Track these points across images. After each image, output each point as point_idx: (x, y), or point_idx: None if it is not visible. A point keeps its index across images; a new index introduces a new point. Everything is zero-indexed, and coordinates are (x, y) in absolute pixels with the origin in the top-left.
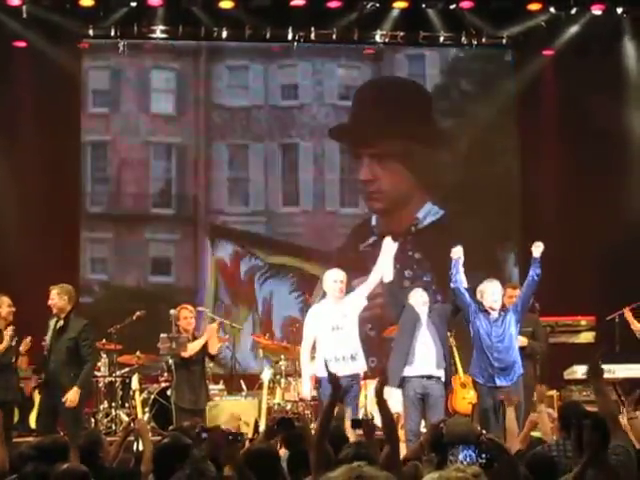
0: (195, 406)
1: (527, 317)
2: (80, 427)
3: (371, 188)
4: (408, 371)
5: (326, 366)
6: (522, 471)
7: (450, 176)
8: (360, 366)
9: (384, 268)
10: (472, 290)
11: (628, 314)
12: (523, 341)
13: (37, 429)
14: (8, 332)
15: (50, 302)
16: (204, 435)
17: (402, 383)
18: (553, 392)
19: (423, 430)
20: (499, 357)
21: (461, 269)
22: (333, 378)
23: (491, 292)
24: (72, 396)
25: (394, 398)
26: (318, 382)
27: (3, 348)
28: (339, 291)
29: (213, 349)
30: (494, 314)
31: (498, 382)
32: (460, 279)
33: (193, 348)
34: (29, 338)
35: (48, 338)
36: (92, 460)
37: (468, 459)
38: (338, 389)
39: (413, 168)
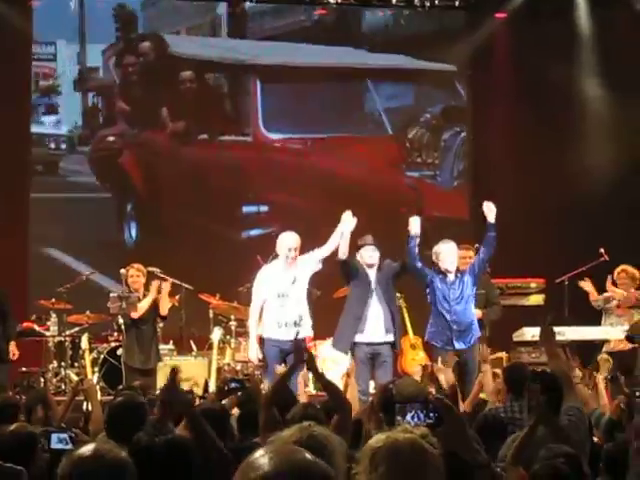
0: (145, 365)
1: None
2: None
3: None
4: (358, 337)
5: (296, 336)
6: (471, 431)
7: None
8: (305, 330)
9: (340, 243)
10: (426, 258)
11: (586, 285)
12: (478, 313)
13: None
14: None
15: None
16: (233, 385)
17: (351, 347)
18: (502, 354)
19: (372, 391)
20: (457, 320)
21: (417, 242)
22: (297, 344)
23: (447, 254)
24: (15, 349)
25: (342, 362)
26: (262, 343)
27: None
28: (292, 258)
29: (164, 310)
30: (450, 276)
31: (457, 345)
32: (416, 254)
33: (142, 307)
34: None
35: None
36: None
37: (416, 419)
38: (301, 355)
39: None
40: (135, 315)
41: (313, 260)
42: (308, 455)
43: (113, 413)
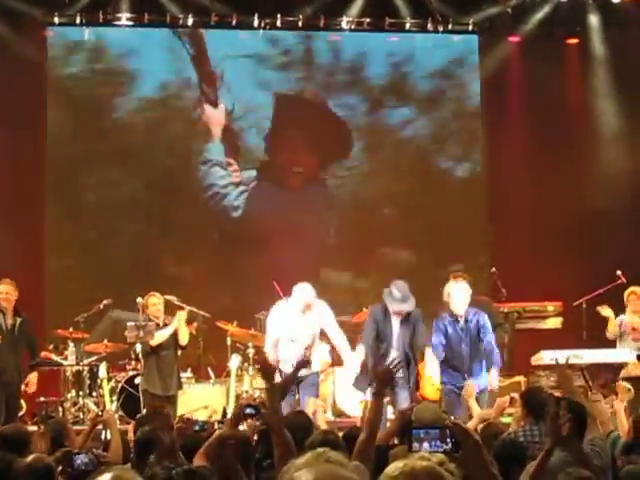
0: (166, 392)
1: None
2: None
3: None
4: None
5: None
6: (489, 457)
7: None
8: (313, 366)
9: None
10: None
11: (604, 310)
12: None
13: None
14: None
15: (8, 297)
16: (249, 411)
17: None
18: (520, 378)
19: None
20: (470, 366)
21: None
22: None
23: (457, 298)
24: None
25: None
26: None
27: None
28: (308, 310)
29: (183, 340)
30: (461, 321)
31: (465, 380)
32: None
33: (161, 336)
34: None
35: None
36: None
37: (433, 446)
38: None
39: None
40: (153, 343)
41: (326, 327)
42: (348, 473)
43: (142, 442)
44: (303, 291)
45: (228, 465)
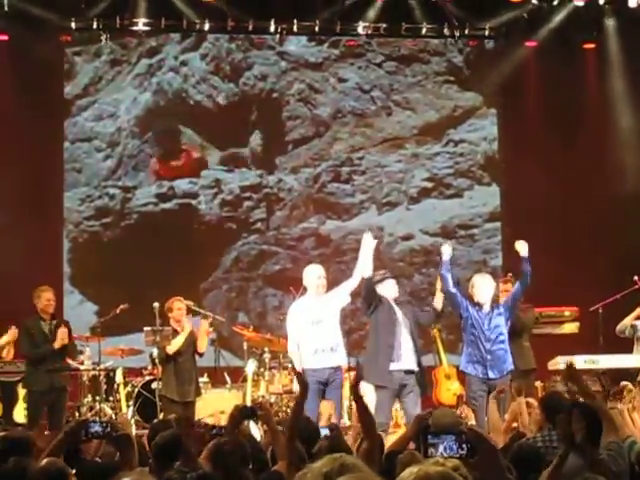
0: (184, 398)
1: (525, 309)
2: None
3: None
4: (393, 366)
5: (293, 367)
6: (504, 462)
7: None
8: (341, 358)
9: (365, 264)
10: (457, 282)
11: None
12: None
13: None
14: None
15: (51, 304)
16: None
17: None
18: (537, 383)
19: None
20: (491, 349)
21: (449, 268)
22: (299, 377)
23: (482, 288)
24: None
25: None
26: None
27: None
28: (322, 287)
29: (202, 347)
30: (486, 307)
31: (490, 374)
32: (449, 279)
33: (176, 344)
34: (14, 328)
35: (43, 340)
36: (73, 453)
37: (448, 450)
38: (305, 388)
39: None
40: (170, 351)
41: (342, 292)
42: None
43: (160, 446)
44: (312, 272)
45: (232, 470)
